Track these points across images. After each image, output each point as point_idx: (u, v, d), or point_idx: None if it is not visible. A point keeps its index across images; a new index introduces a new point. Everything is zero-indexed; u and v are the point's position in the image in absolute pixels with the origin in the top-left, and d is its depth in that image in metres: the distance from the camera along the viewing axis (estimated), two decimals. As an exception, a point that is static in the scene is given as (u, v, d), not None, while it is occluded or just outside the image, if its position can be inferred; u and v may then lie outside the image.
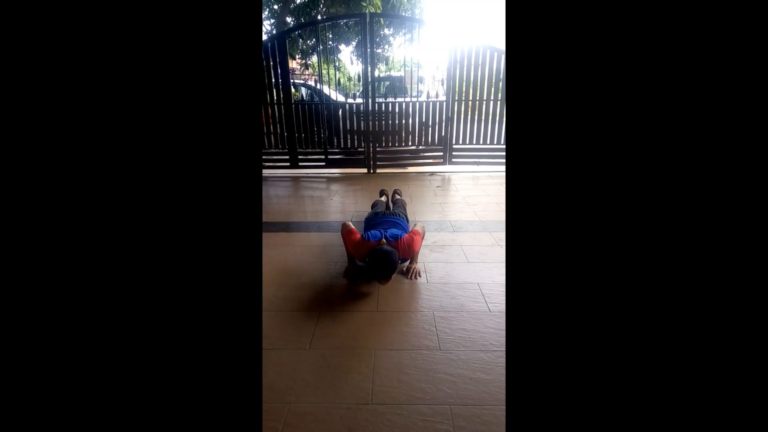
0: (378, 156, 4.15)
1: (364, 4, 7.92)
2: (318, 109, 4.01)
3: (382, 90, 6.13)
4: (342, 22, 7.96)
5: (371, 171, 4.17)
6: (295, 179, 4.00)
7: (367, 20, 3.75)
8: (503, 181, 3.59)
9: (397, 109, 4.01)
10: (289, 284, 1.82)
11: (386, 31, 9.43)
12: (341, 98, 4.43)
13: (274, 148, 4.11)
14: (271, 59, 3.76)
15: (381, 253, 1.67)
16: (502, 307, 1.61)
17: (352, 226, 1.90)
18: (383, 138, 4.09)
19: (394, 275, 1.88)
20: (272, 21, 9.06)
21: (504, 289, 1.72)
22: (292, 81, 4.35)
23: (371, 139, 4.05)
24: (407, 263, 1.93)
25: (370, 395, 1.17)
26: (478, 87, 3.90)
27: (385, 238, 1.79)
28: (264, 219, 2.72)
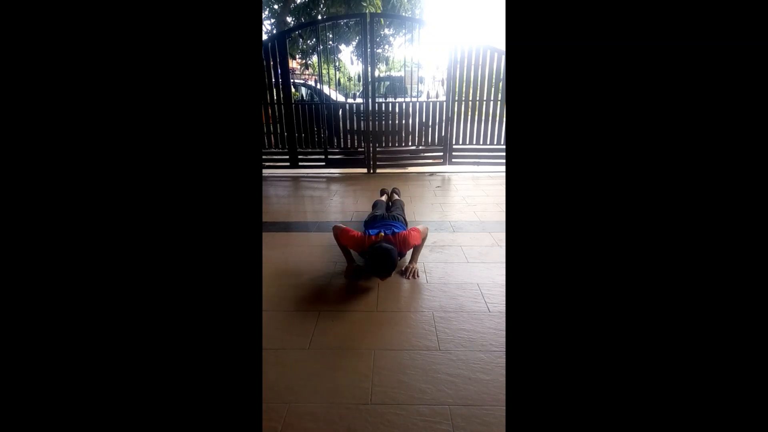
0: (378, 156, 4.15)
1: (365, 4, 7.91)
2: (318, 109, 4.01)
3: (382, 90, 6.12)
4: (342, 22, 7.95)
5: (371, 171, 4.17)
6: (295, 179, 4.00)
7: (368, 20, 3.75)
8: (503, 181, 3.59)
9: (397, 109, 4.01)
10: (289, 284, 1.82)
11: (386, 31, 9.42)
12: (341, 98, 4.43)
13: (274, 148, 4.11)
14: (271, 59, 3.76)
15: (380, 251, 1.72)
16: (502, 307, 1.61)
17: (345, 226, 1.95)
18: (383, 138, 4.09)
19: (394, 276, 1.88)
20: (272, 21, 9.05)
21: (504, 290, 1.72)
22: (292, 81, 4.35)
23: (371, 139, 4.05)
24: (408, 263, 1.93)
25: (370, 395, 1.17)
26: (478, 87, 3.90)
27: (384, 233, 1.87)
28: (264, 219, 2.72)
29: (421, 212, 2.83)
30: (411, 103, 3.99)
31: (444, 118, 4.01)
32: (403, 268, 1.92)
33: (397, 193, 2.90)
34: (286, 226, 2.61)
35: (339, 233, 1.91)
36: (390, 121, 4.04)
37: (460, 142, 4.11)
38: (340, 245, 1.93)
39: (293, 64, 9.38)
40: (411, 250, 1.95)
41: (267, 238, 2.36)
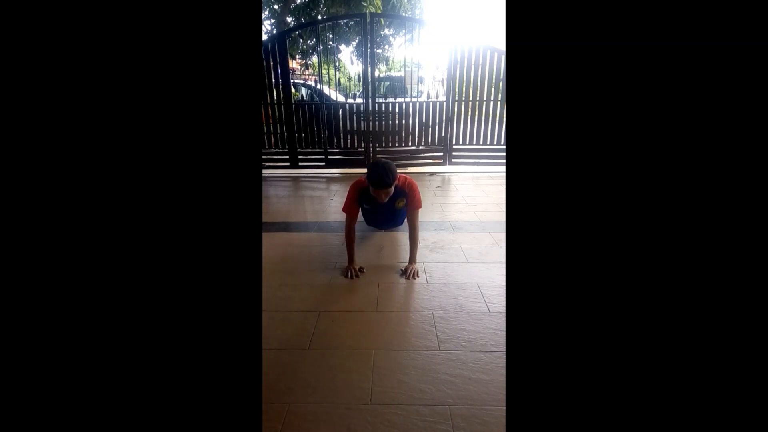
0: (378, 156, 4.15)
1: (365, 4, 7.91)
2: (318, 109, 4.00)
3: (382, 90, 6.13)
4: (342, 22, 7.95)
5: (371, 171, 4.17)
6: (295, 179, 4.00)
7: (368, 20, 3.75)
8: (503, 181, 3.59)
9: (397, 110, 4.01)
10: (289, 284, 1.82)
11: (386, 31, 9.42)
12: (341, 98, 4.43)
13: (274, 148, 4.11)
14: (271, 59, 3.76)
15: (379, 161, 1.84)
16: (502, 307, 1.61)
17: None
18: (383, 138, 4.09)
19: (393, 276, 1.88)
20: (272, 21, 9.05)
21: (504, 290, 1.72)
22: (292, 81, 4.35)
23: (371, 139, 4.05)
24: (408, 263, 1.93)
25: (370, 395, 1.17)
26: (478, 87, 3.90)
27: None
28: (264, 219, 2.72)
29: (421, 212, 2.82)
30: (411, 103, 3.99)
31: (444, 118, 4.01)
32: (403, 268, 1.92)
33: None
34: (286, 226, 2.61)
35: (345, 210, 1.97)
36: (390, 122, 4.04)
37: (460, 142, 4.11)
38: (349, 223, 1.95)
39: (293, 64, 9.38)
40: (411, 219, 1.98)
41: (267, 238, 2.36)
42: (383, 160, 1.87)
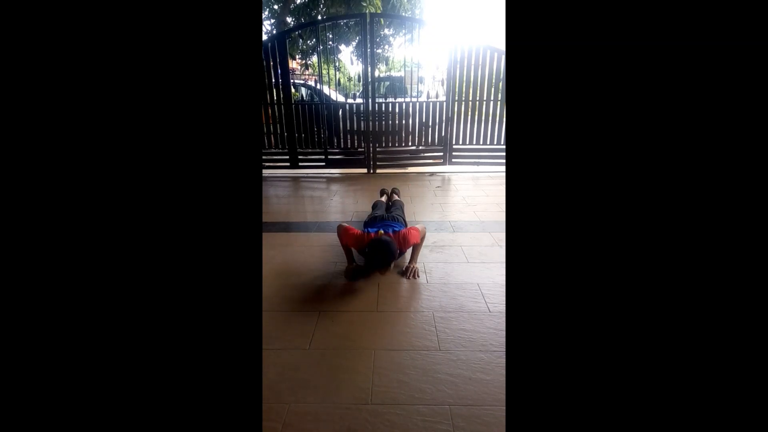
0: (378, 156, 4.15)
1: (364, 4, 7.91)
2: (318, 109, 4.01)
3: (382, 90, 6.12)
4: (342, 22, 7.96)
5: (371, 171, 4.17)
6: (295, 179, 4.00)
7: (367, 20, 3.75)
8: (503, 181, 3.59)
9: (397, 110, 4.01)
10: (289, 284, 1.82)
11: (386, 31, 9.41)
12: (341, 98, 4.43)
13: (274, 148, 4.11)
14: (271, 59, 3.76)
15: (380, 243, 1.76)
16: (502, 307, 1.61)
17: (348, 225, 1.96)
18: (383, 138, 4.09)
19: (393, 276, 1.88)
20: (272, 21, 9.05)
21: (504, 290, 1.72)
22: (292, 81, 4.35)
23: (371, 139, 4.05)
24: (408, 263, 1.93)
25: (370, 395, 1.17)
26: (478, 87, 3.90)
27: (383, 231, 1.89)
28: (264, 219, 2.72)
29: (421, 212, 2.83)
30: (411, 103, 3.99)
31: (444, 118, 4.01)
32: (404, 268, 1.92)
33: (396, 194, 2.90)
34: (286, 226, 2.61)
35: (341, 232, 1.93)
36: (390, 122, 4.04)
37: (460, 142, 4.11)
38: (343, 244, 1.94)
39: (293, 64, 9.38)
40: (410, 248, 1.96)
41: (267, 238, 2.36)
42: (383, 239, 1.76)
